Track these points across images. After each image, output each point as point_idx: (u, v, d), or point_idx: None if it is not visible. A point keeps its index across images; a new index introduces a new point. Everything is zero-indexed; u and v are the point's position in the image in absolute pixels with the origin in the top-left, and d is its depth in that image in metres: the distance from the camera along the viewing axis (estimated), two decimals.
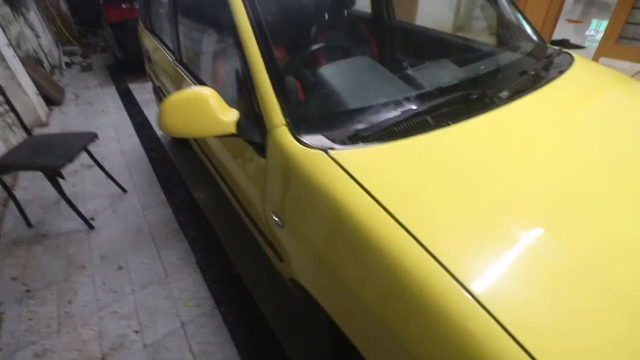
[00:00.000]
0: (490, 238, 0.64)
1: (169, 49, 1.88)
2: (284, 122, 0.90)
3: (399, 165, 0.80)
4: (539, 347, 0.50)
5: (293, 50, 1.35)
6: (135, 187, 2.46)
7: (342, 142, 0.85)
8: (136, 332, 1.50)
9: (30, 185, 2.50)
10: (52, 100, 3.84)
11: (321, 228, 0.80)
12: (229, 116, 0.96)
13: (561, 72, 1.24)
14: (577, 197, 0.74)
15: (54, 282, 1.76)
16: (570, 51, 1.46)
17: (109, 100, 4.06)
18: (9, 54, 3.06)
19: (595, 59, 3.49)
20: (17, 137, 2.79)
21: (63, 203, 2.06)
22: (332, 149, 0.83)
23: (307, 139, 0.87)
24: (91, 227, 2.10)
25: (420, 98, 1.00)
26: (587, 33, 5.37)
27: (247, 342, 1.43)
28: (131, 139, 3.11)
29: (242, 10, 0.99)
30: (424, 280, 0.59)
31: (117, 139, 3.13)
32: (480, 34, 1.78)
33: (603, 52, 3.47)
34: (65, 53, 5.42)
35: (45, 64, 4.70)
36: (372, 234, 0.67)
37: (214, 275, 1.73)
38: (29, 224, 2.13)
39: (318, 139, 0.87)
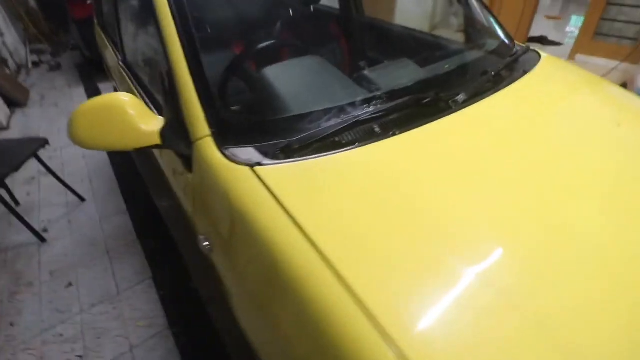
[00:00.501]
0: (424, 279, 0.55)
1: (115, 47, 1.75)
2: (208, 132, 0.80)
3: (333, 184, 0.71)
4: None
5: (236, 48, 1.24)
6: (95, 195, 2.32)
7: (273, 156, 0.76)
8: (80, 357, 1.39)
9: None
10: (14, 102, 3.64)
11: (243, 256, 0.70)
12: (151, 125, 0.85)
13: (525, 72, 1.16)
14: (527, 219, 0.66)
15: None
16: (548, 48, 1.40)
17: (77, 102, 3.88)
18: None
19: (572, 56, 3.46)
20: None
21: (18, 210, 1.92)
22: (259, 164, 0.73)
23: (233, 151, 0.77)
24: (43, 239, 1.96)
25: (368, 102, 0.91)
26: (567, 30, 5.37)
27: None
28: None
29: (164, 2, 0.88)
30: (340, 327, 0.50)
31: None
32: (449, 31, 1.70)
33: (579, 49, 3.45)
34: (33, 51, 5.18)
35: (11, 63, 4.47)
36: (291, 267, 0.58)
37: (170, 291, 1.62)
38: None
39: (246, 152, 0.77)
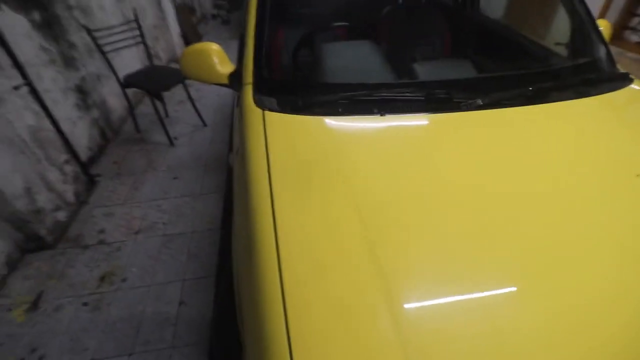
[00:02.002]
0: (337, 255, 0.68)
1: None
2: (251, 81, 1.11)
3: (313, 139, 0.93)
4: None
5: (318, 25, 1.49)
6: (214, 123, 3.01)
7: (282, 107, 1.02)
8: (164, 224, 2.00)
9: (150, 102, 3.29)
10: (190, 42, 4.74)
11: (237, 169, 1.00)
12: (225, 69, 1.22)
13: (590, 94, 1.09)
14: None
15: (135, 172, 2.40)
16: None
17: (228, 51, 4.77)
18: (166, 0, 3.90)
19: None
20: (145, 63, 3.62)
21: (165, 120, 2.69)
22: (270, 110, 1.01)
23: (261, 98, 1.06)
24: (172, 144, 2.71)
25: (385, 87, 1.06)
26: None
27: None
28: None
29: None
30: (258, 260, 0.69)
31: None
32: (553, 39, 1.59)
33: None
34: (215, 6, 6.45)
35: (197, 13, 5.72)
36: (252, 187, 0.81)
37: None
38: (138, 130, 2.87)
39: (268, 101, 1.05)
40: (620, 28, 3.70)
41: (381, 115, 0.97)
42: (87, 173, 2.24)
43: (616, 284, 0.67)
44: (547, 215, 0.76)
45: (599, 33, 1.31)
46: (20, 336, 1.47)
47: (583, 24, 1.31)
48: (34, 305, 1.58)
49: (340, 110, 0.99)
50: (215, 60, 1.20)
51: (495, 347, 0.58)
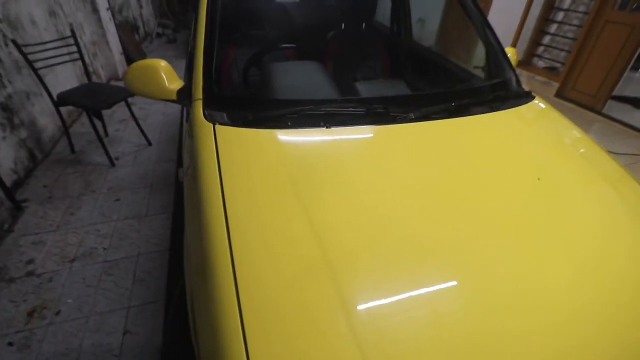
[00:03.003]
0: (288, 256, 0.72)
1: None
2: (201, 96, 1.13)
3: (262, 151, 0.97)
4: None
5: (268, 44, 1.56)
6: (159, 143, 2.90)
7: (232, 121, 1.05)
8: (105, 249, 1.86)
9: (87, 122, 3.08)
10: (133, 60, 4.56)
11: (187, 184, 1.00)
12: (173, 85, 1.22)
13: (497, 109, 1.27)
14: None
15: (70, 196, 2.22)
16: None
17: (178, 69, 4.67)
18: (106, 16, 3.76)
19: None
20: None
21: (105, 140, 2.53)
22: (221, 124, 1.03)
23: (211, 112, 1.08)
24: (113, 164, 2.56)
25: (327, 102, 1.15)
26: None
27: None
28: (176, 105, 3.61)
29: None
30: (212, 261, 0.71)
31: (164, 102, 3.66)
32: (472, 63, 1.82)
33: None
34: (160, 25, 6.31)
35: (141, 31, 5.55)
36: (205, 201, 0.82)
37: (179, 225, 2.03)
38: (73, 151, 2.66)
39: (218, 115, 1.07)
40: (529, 55, 4.31)
41: (327, 127, 1.05)
42: (11, 199, 2.02)
43: (527, 267, 0.78)
44: (467, 212, 0.87)
45: (507, 58, 1.53)
46: None
47: (495, 52, 1.53)
48: None
49: (289, 123, 1.05)
50: (164, 76, 1.20)
51: (437, 332, 0.65)
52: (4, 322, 1.48)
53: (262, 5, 1.66)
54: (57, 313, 1.53)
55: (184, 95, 1.22)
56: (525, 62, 4.29)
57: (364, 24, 2.08)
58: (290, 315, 0.64)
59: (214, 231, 0.76)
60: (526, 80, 4.28)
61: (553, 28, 3.99)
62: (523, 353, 0.65)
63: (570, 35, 3.86)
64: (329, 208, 0.83)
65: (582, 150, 1.20)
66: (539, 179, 1.01)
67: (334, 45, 1.75)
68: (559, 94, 3.97)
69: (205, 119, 1.06)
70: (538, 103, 1.40)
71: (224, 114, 1.08)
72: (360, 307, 0.66)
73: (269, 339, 0.61)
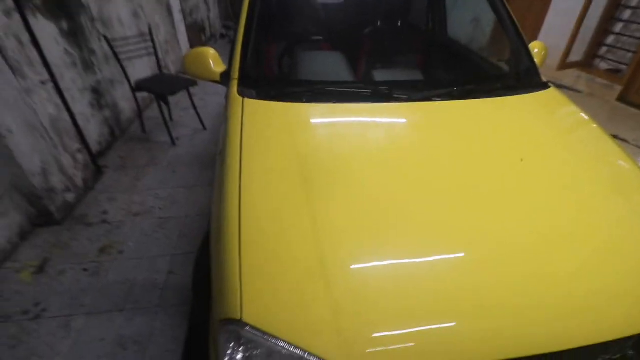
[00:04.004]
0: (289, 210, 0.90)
1: None
2: (237, 76, 1.38)
3: (277, 117, 1.19)
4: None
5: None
6: (214, 127, 3.29)
7: (258, 95, 1.28)
8: (160, 209, 2.23)
9: (156, 108, 3.60)
10: None
11: (219, 148, 1.25)
12: (218, 69, 1.49)
13: (509, 94, 1.36)
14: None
15: (138, 166, 2.66)
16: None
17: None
18: (178, 18, 4.31)
19: None
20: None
21: (169, 123, 2.97)
22: (249, 98, 1.27)
23: (243, 89, 1.33)
24: (174, 144, 2.98)
25: (337, 84, 1.34)
26: None
27: None
28: None
29: None
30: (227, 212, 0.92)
31: (221, 93, 4.09)
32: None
33: None
34: (224, 26, 6.93)
35: (207, 32, 6.17)
36: (227, 163, 1.03)
37: None
38: (144, 131, 3.15)
39: (248, 92, 1.32)
40: (590, 57, 4.04)
41: (333, 103, 1.24)
42: (95, 163, 2.50)
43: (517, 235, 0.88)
44: (462, 184, 0.99)
45: (529, 53, 1.58)
46: (26, 293, 1.68)
47: (513, 43, 1.59)
48: (40, 269, 1.80)
49: (303, 99, 1.25)
50: (211, 61, 1.48)
51: (414, 291, 0.78)
52: (82, 254, 1.89)
53: (294, 5, 1.91)
54: (121, 252, 1.90)
55: (225, 77, 1.48)
56: (585, 63, 4.03)
57: (398, 22, 2.22)
58: (276, 264, 0.81)
59: (231, 177, 0.98)
60: (585, 83, 4.02)
61: (618, 27, 3.71)
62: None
63: (638, 34, 3.57)
64: (325, 169, 1.01)
65: (582, 132, 1.24)
66: (521, 160, 1.09)
67: (359, 38, 1.93)
68: (621, 98, 3.68)
69: (238, 94, 1.31)
70: (553, 92, 1.45)
71: (253, 91, 1.32)
72: (338, 266, 0.80)
73: (258, 281, 0.78)
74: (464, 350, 0.75)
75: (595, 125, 1.28)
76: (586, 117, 1.32)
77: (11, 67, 1.81)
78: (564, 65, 4.02)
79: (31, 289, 1.70)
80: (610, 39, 3.83)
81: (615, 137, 3.11)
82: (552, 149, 1.16)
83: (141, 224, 2.10)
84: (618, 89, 3.70)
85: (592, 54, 3.98)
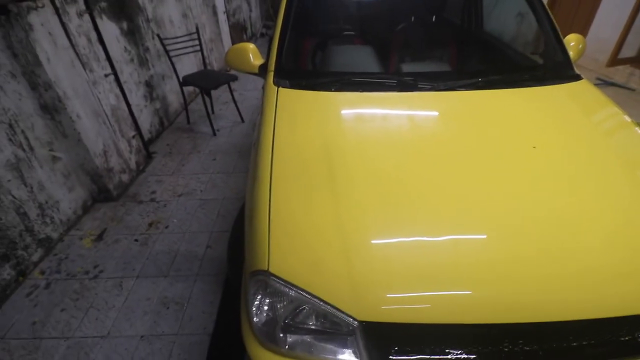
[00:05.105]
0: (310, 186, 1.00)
1: None
2: (273, 69, 1.51)
3: (308, 104, 1.30)
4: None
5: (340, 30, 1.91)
6: (251, 120, 3.49)
7: (291, 85, 1.41)
8: (201, 191, 2.44)
9: (200, 102, 3.87)
10: None
11: (256, 131, 1.39)
12: (257, 61, 1.64)
13: (541, 84, 1.38)
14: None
15: (182, 153, 2.91)
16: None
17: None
18: (222, 18, 4.58)
19: None
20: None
21: (211, 116, 3.22)
22: (283, 87, 1.40)
23: (278, 80, 1.46)
24: (215, 134, 3.21)
25: (366, 75, 1.43)
26: None
27: None
28: None
29: None
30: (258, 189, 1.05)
31: (258, 89, 4.30)
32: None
33: None
34: (264, 26, 7.20)
35: (248, 31, 6.45)
36: (261, 146, 1.16)
37: None
38: (188, 122, 3.42)
39: (283, 82, 1.44)
40: None
41: (360, 92, 1.33)
42: (146, 149, 2.77)
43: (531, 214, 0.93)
44: (481, 167, 1.05)
45: (561, 45, 1.57)
46: (87, 256, 1.94)
47: (550, 39, 1.59)
48: (99, 238, 2.06)
49: (332, 88, 1.36)
50: (250, 55, 1.63)
51: (426, 264, 0.84)
52: (134, 227, 2.13)
53: (329, 2, 2.01)
54: (167, 227, 2.12)
55: (263, 69, 1.63)
56: (637, 58, 3.76)
57: (432, 17, 2.26)
58: (301, 228, 0.92)
59: (263, 155, 1.12)
60: (639, 80, 3.76)
61: None
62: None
63: None
64: (348, 150, 1.11)
65: (609, 121, 1.24)
66: (534, 147, 1.11)
67: (390, 33, 1.99)
68: None
69: (273, 84, 1.44)
70: (585, 84, 1.44)
71: (287, 81, 1.44)
72: (356, 233, 0.90)
73: (284, 241, 0.90)
74: (475, 314, 0.81)
75: (623, 115, 1.27)
76: (615, 107, 1.30)
77: (81, 62, 2.09)
78: (615, 61, 3.78)
79: (92, 253, 1.96)
80: None
81: None
82: (572, 136, 1.17)
83: (185, 203, 2.32)
84: None
85: None
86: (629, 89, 3.77)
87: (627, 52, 3.76)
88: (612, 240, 0.89)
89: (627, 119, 1.25)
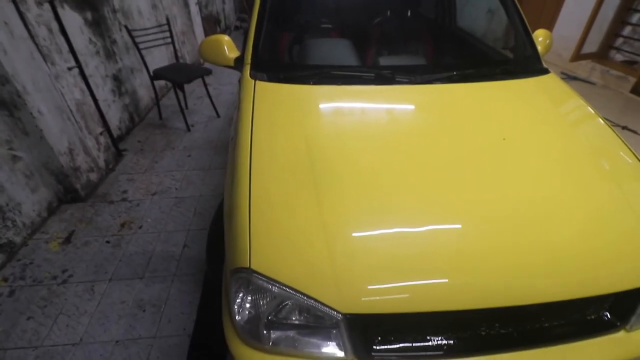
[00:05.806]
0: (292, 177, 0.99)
1: None
2: (250, 62, 1.48)
3: (286, 97, 1.28)
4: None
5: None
6: (227, 115, 3.41)
7: (268, 78, 1.38)
8: (176, 189, 2.37)
9: (173, 97, 3.74)
10: None
11: (233, 126, 1.35)
12: (232, 54, 1.59)
13: (510, 78, 1.43)
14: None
15: (155, 150, 2.80)
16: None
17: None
18: (194, 10, 4.43)
19: None
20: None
21: (185, 111, 3.11)
22: (260, 80, 1.37)
23: (255, 73, 1.42)
24: (189, 130, 3.12)
25: (344, 68, 1.42)
26: None
27: None
28: None
29: None
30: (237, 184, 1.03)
31: (233, 83, 4.21)
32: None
33: None
34: (238, 19, 7.04)
35: (222, 24, 6.28)
36: (240, 138, 1.14)
37: None
38: (160, 117, 3.29)
39: (259, 75, 1.41)
40: (605, 48, 3.98)
41: (338, 85, 1.33)
42: (116, 146, 2.65)
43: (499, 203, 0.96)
44: (456, 159, 1.06)
45: (530, 40, 1.62)
46: (55, 261, 1.84)
47: (520, 34, 1.64)
48: (67, 240, 1.96)
49: (311, 81, 1.35)
50: (225, 47, 1.58)
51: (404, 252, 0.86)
52: (105, 228, 2.04)
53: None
54: (140, 227, 2.04)
55: (239, 62, 1.58)
56: (600, 54, 3.97)
57: (407, 12, 2.28)
58: (282, 224, 0.91)
59: (242, 149, 1.09)
60: (600, 75, 3.97)
61: (635, 18, 3.65)
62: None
63: None
64: (326, 142, 1.11)
65: (574, 112, 1.30)
66: (504, 139, 1.15)
67: (367, 27, 1.99)
68: (635, 90, 3.63)
69: (250, 77, 1.41)
70: (552, 77, 1.49)
71: (264, 74, 1.41)
72: (337, 227, 0.90)
73: (265, 237, 0.88)
74: (453, 301, 0.83)
75: (586, 106, 1.34)
76: (580, 99, 1.37)
77: (42, 54, 1.95)
78: (578, 56, 3.97)
79: (59, 257, 1.86)
80: (626, 30, 3.76)
81: (625, 127, 3.10)
82: (542, 128, 1.22)
83: (159, 202, 2.24)
84: (633, 81, 3.65)
85: (607, 45, 3.92)
86: (590, 82, 3.99)
87: (588, 48, 3.96)
88: (579, 229, 0.93)
89: (591, 110, 1.32)
